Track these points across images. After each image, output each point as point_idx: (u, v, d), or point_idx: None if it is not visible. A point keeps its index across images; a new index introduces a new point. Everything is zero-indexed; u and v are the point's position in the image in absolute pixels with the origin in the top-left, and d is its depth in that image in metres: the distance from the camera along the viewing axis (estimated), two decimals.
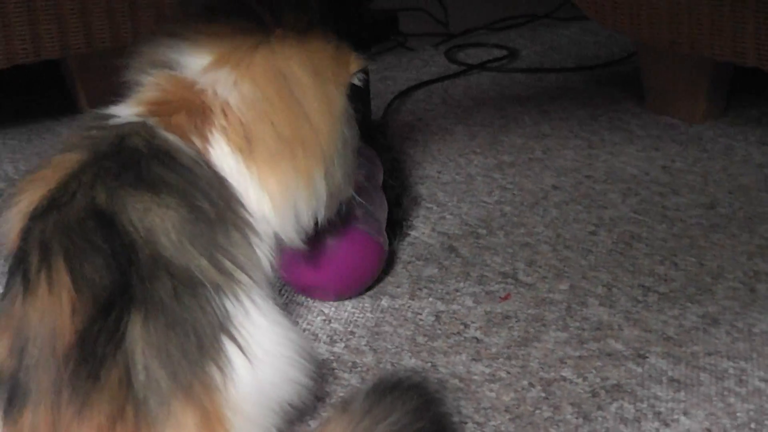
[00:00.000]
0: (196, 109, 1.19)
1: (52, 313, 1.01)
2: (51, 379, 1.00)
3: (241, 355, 1.07)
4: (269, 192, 1.20)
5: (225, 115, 1.19)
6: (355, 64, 1.29)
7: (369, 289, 1.51)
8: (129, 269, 1.04)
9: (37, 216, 1.06)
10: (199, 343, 1.04)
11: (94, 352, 1.00)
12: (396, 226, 1.65)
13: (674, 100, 2.08)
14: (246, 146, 1.19)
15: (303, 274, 1.44)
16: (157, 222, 1.07)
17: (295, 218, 1.24)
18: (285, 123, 1.20)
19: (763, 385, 1.27)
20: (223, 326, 1.07)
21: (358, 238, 1.45)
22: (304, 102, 1.22)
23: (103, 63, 2.03)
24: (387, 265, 1.57)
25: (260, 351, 1.08)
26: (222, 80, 1.20)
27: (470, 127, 2.12)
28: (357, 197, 1.36)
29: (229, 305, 1.08)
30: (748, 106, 2.12)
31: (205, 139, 1.17)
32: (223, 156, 1.18)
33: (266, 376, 1.09)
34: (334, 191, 1.27)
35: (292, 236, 1.25)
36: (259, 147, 1.19)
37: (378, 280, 1.53)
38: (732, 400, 1.25)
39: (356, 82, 1.30)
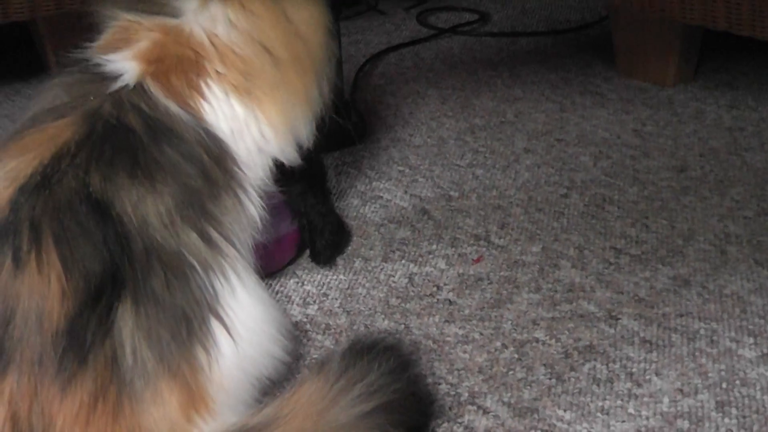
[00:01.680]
0: (190, 63, 1.18)
1: (40, 293, 1.01)
2: (36, 354, 1.01)
3: (227, 335, 1.08)
4: (270, 122, 1.21)
5: (222, 58, 1.19)
6: None
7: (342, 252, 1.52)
8: (121, 259, 1.04)
9: (28, 190, 1.05)
10: (188, 326, 1.06)
11: (84, 340, 1.01)
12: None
13: (645, 63, 2.08)
14: (244, 84, 1.19)
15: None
16: (151, 208, 1.07)
17: (294, 137, 1.25)
18: (281, 45, 1.21)
19: (733, 345, 1.28)
20: (211, 307, 1.08)
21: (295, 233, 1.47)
22: (295, 15, 1.23)
23: (72, 24, 2.01)
24: (360, 227, 1.57)
25: (243, 329, 1.09)
26: (216, 17, 1.20)
27: (442, 90, 2.12)
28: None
29: (217, 285, 1.09)
30: (719, 69, 2.13)
31: (200, 95, 1.17)
32: (219, 105, 1.18)
33: (248, 353, 1.10)
34: (323, 104, 1.28)
35: (292, 155, 1.26)
36: (259, 81, 1.20)
37: (351, 242, 1.53)
38: (703, 360, 1.26)
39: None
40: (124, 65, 1.17)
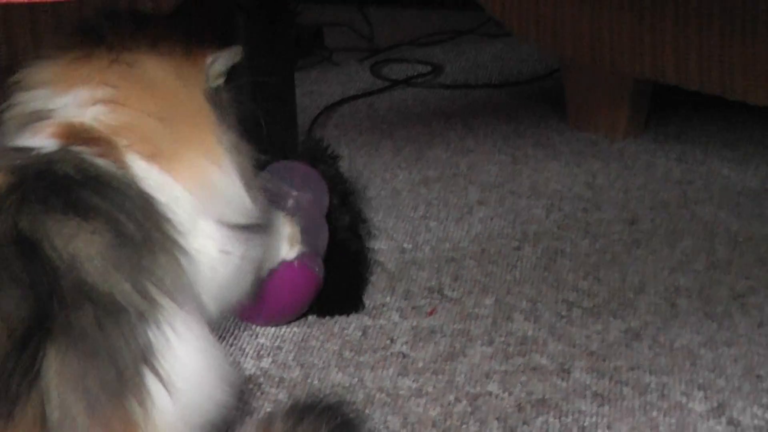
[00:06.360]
0: (98, 138, 1.14)
1: None
2: None
3: (162, 389, 1.03)
4: (187, 184, 1.16)
5: (116, 132, 1.15)
6: (210, 54, 1.23)
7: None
8: (50, 299, 1.00)
9: None
10: (119, 376, 1.01)
11: (8, 390, 0.97)
12: (358, 257, 1.58)
13: (596, 116, 2.10)
14: (152, 149, 1.15)
15: None
16: (82, 247, 1.03)
17: (225, 196, 1.20)
18: (159, 105, 1.17)
19: (684, 399, 1.30)
20: (145, 357, 1.03)
21: (290, 269, 1.42)
22: (163, 79, 1.19)
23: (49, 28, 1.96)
24: None
25: (181, 381, 1.05)
26: (83, 101, 1.16)
27: (395, 142, 2.13)
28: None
29: (151, 336, 1.04)
30: (668, 122, 2.15)
31: (125, 160, 1.13)
32: (145, 173, 1.14)
33: (188, 404, 1.06)
34: (244, 156, 1.23)
35: (236, 214, 1.21)
36: (157, 143, 1.16)
37: None
38: (654, 413, 1.27)
39: (219, 67, 1.24)
40: (44, 141, 1.13)
